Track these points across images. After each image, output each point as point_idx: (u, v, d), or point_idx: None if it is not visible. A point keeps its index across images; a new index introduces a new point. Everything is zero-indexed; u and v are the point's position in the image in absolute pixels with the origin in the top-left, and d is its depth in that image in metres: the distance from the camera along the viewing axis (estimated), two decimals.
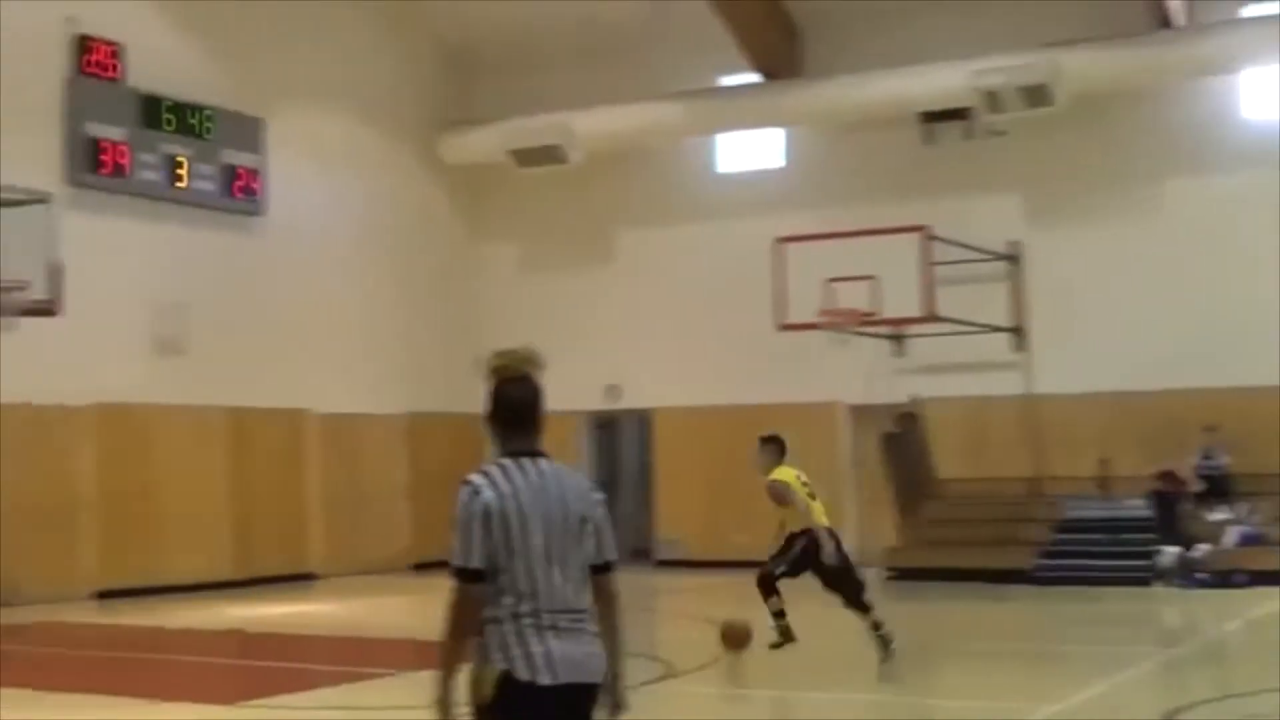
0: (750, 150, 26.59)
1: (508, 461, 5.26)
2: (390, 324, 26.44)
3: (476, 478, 5.15)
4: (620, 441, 28.74)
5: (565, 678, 5.06)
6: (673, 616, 20.13)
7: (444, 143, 27.62)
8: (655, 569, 25.98)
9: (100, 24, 21.95)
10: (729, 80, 26.16)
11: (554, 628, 5.09)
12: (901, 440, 23.53)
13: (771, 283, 22.11)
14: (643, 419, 27.62)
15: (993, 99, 22.80)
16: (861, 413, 25.11)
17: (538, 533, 5.11)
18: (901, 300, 21.33)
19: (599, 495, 5.30)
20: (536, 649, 5.05)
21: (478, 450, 27.55)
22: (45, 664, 15.54)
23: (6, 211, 17.23)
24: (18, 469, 20.49)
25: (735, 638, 13.60)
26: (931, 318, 21.43)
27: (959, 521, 22.86)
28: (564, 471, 5.28)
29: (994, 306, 23.63)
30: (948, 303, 21.88)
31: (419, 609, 20.52)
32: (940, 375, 24.14)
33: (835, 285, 21.39)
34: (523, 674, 5.04)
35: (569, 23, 26.79)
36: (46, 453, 20.98)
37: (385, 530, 25.94)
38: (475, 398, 23.69)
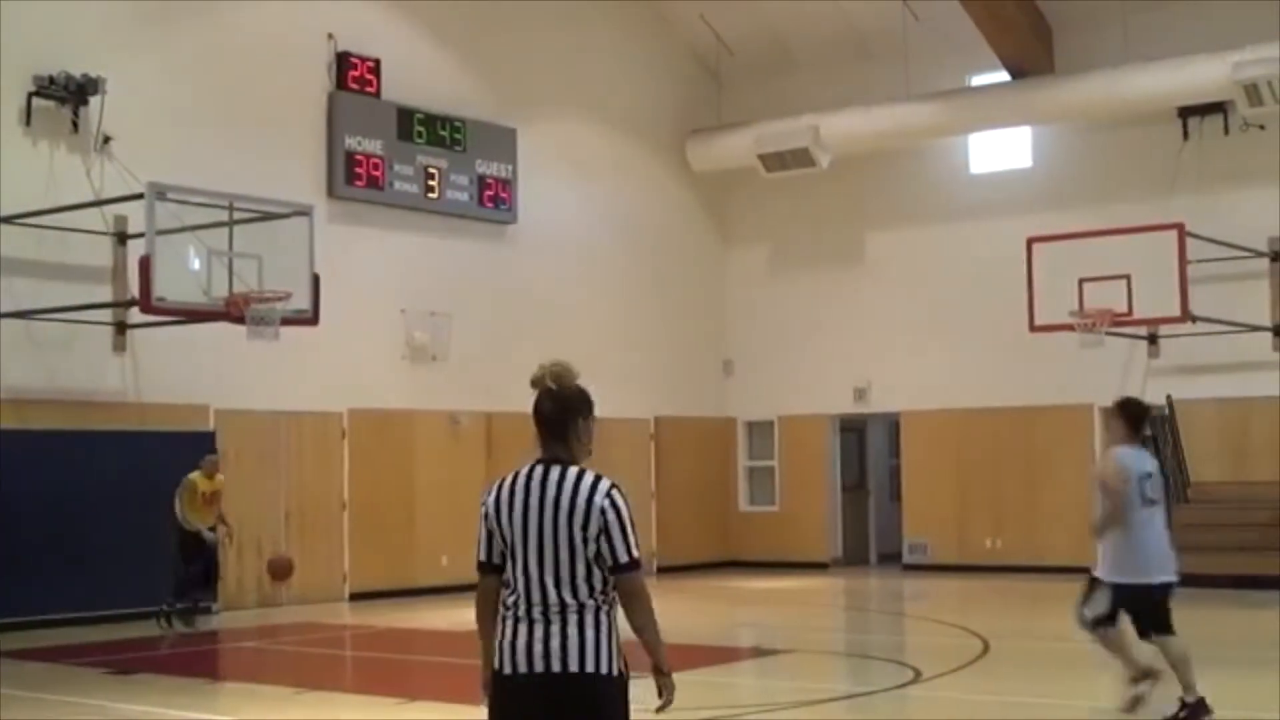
0: (1001, 150, 26.26)
1: (524, 468, 5.61)
2: (639, 328, 26.73)
3: (493, 482, 5.57)
4: (868, 445, 28.64)
5: (522, 667, 5.42)
6: (920, 621, 19.99)
7: (692, 148, 27.83)
8: (903, 573, 25.82)
9: (359, 40, 22.63)
10: (980, 80, 25.86)
11: (528, 619, 5.44)
12: (1155, 444, 22.96)
13: (1024, 283, 21.82)
14: (891, 422, 27.48)
15: (1253, 92, 22.15)
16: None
17: (527, 534, 5.47)
18: (1156, 300, 20.81)
19: (605, 501, 5.49)
20: (506, 640, 5.47)
21: (725, 453, 27.87)
22: (307, 662, 16.10)
23: (270, 224, 17.90)
24: (282, 474, 21.26)
25: (278, 569, 18.19)
26: (1188, 317, 20.90)
27: (1215, 526, 22.21)
28: (571, 478, 5.55)
29: (1254, 305, 22.96)
30: (1205, 301, 21.34)
31: (666, 611, 20.75)
32: (1197, 376, 23.55)
33: (1088, 285, 21.01)
34: (494, 663, 5.51)
35: (818, 26, 26.80)
36: (308, 458, 21.70)
37: None
38: (723, 402, 24.15)
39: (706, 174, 28.10)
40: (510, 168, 24.49)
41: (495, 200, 24.30)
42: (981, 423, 25.38)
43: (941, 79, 25.39)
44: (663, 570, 26.02)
